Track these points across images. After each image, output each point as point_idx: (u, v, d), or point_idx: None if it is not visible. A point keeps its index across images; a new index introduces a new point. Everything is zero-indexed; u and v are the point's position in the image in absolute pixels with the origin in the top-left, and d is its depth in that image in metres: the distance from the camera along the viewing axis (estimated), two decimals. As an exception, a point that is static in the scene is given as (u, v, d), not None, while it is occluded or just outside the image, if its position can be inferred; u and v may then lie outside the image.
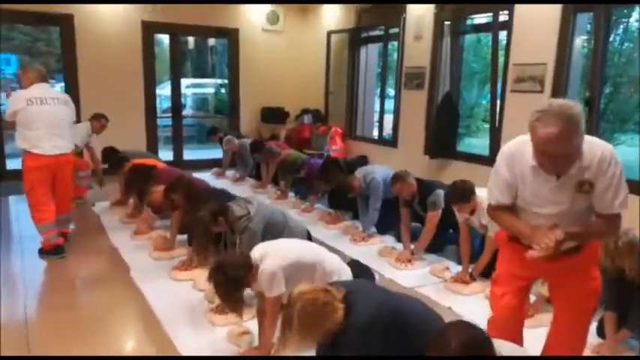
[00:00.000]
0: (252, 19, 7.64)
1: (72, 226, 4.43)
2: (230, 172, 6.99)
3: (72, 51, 6.50)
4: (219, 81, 11.68)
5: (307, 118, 7.62)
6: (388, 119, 6.91)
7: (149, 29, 6.96)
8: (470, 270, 3.39)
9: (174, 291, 3.31)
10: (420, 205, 3.80)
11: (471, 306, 3.09)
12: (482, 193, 3.11)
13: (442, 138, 5.44)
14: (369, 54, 7.13)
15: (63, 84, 6.72)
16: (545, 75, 4.52)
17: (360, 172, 4.37)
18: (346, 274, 2.53)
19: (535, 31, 4.58)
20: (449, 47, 5.51)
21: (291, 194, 5.82)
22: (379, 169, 4.41)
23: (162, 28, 7.14)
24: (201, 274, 3.37)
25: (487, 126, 11.54)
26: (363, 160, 6.58)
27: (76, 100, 6.53)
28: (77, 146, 4.78)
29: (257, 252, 2.39)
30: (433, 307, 2.40)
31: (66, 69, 6.61)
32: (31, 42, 16.80)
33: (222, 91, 11.21)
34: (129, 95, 6.92)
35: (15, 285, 3.48)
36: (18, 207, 5.29)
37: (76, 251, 4.24)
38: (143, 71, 6.98)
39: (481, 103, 11.58)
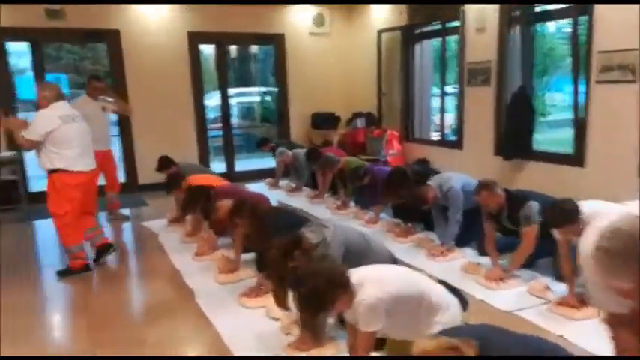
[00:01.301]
0: (298, 23, 7.39)
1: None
2: (284, 182, 6.74)
3: (120, 66, 6.43)
4: (262, 89, 11.54)
5: (360, 122, 7.28)
6: (447, 119, 6.51)
7: (195, 40, 6.82)
8: (578, 290, 2.95)
9: (245, 320, 3.04)
10: (510, 220, 3.37)
11: (587, 333, 2.66)
12: (586, 209, 2.70)
13: (516, 137, 4.97)
14: (424, 51, 6.73)
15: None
16: (637, 62, 4.01)
17: (434, 182, 3.99)
18: (454, 305, 2.18)
19: (622, 13, 4.08)
20: (517, 38, 5.06)
21: (352, 204, 5.49)
22: (456, 177, 4.01)
23: (208, 38, 6.99)
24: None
25: (543, 119, 10.94)
26: (424, 164, 6.18)
27: (127, 115, 6.48)
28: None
29: (353, 278, 2.06)
30: (544, 336, 2.02)
31: (115, 84, 6.53)
32: (78, 60, 17.26)
33: (267, 98, 11.04)
34: (178, 107, 6.80)
35: (77, 315, 3.32)
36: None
37: (138, 274, 4.09)
38: (191, 82, 6.84)
39: (537, 95, 10.94)
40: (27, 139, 3.66)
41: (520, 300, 3.13)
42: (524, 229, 3.26)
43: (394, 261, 2.81)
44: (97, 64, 14.75)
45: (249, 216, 3.36)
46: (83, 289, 3.74)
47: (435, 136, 7.01)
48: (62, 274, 3.90)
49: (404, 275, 2.19)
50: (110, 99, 5.39)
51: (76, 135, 3.77)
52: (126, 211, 5.54)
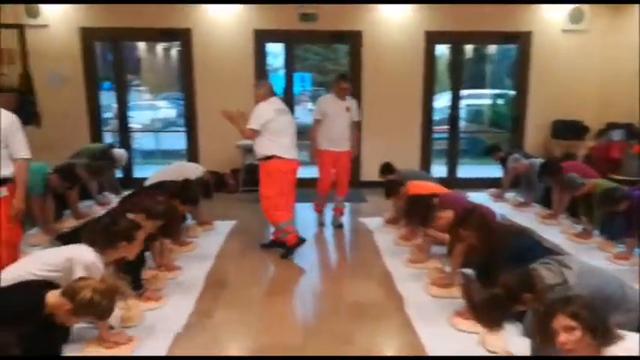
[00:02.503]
0: (550, 18, 6.57)
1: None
2: (510, 194, 6.11)
3: (358, 66, 6.69)
4: (495, 91, 10.80)
5: (617, 134, 6.10)
6: None
7: (432, 39, 6.66)
8: None
9: (457, 345, 2.76)
10: None
11: None
12: None
13: None
14: None
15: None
16: None
17: None
18: None
19: None
20: None
21: (595, 232, 4.61)
22: None
23: (445, 37, 6.76)
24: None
25: None
26: None
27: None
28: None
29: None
30: None
31: (352, 83, 6.82)
32: (321, 61, 18.98)
33: (499, 102, 10.28)
34: (407, 108, 6.78)
35: (288, 299, 3.50)
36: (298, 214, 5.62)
37: (350, 270, 4.14)
38: (423, 83, 6.73)
39: None
40: (249, 128, 4.12)
41: None
42: None
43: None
44: (336, 65, 15.99)
45: (477, 228, 3.03)
46: (298, 274, 3.98)
47: None
48: (285, 255, 4.21)
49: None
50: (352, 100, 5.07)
51: (287, 126, 4.20)
52: (344, 218, 5.38)
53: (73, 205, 5.20)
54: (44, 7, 6.22)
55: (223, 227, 5.01)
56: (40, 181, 4.48)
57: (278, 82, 9.60)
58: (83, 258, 2.51)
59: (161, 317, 3.06)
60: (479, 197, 5.73)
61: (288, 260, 4.16)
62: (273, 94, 4.25)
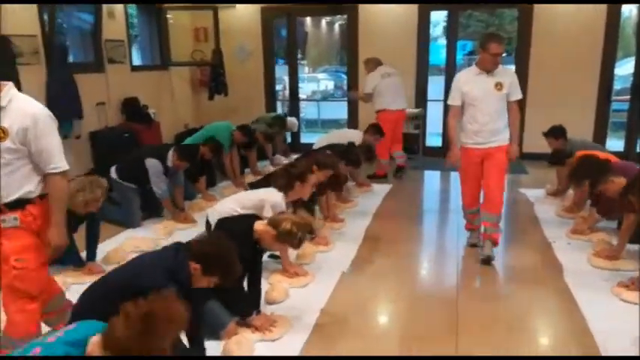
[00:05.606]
0: None
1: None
2: None
3: (528, 31, 6.39)
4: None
5: None
6: None
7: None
8: None
9: (618, 313, 2.72)
10: None
11: None
12: None
13: None
14: None
15: (513, 65, 6.67)
16: None
17: None
18: None
19: None
20: None
21: None
22: None
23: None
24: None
25: None
26: None
27: (524, 82, 6.40)
28: None
29: None
30: None
31: (519, 51, 6.56)
32: (483, 28, 18.06)
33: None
34: (582, 75, 6.30)
35: (449, 264, 3.66)
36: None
37: (508, 237, 4.11)
38: (603, 48, 6.16)
39: None
40: (365, 93, 5.67)
41: None
42: None
43: None
44: (500, 30, 15.13)
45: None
46: (451, 235, 4.09)
47: None
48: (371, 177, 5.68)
49: None
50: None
51: (389, 86, 5.56)
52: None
53: (252, 164, 6.03)
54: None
55: (380, 190, 5.34)
56: (228, 136, 5.31)
57: (436, 51, 9.48)
58: (272, 198, 3.03)
59: (329, 259, 3.52)
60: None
61: (441, 222, 4.39)
62: (379, 64, 5.64)
